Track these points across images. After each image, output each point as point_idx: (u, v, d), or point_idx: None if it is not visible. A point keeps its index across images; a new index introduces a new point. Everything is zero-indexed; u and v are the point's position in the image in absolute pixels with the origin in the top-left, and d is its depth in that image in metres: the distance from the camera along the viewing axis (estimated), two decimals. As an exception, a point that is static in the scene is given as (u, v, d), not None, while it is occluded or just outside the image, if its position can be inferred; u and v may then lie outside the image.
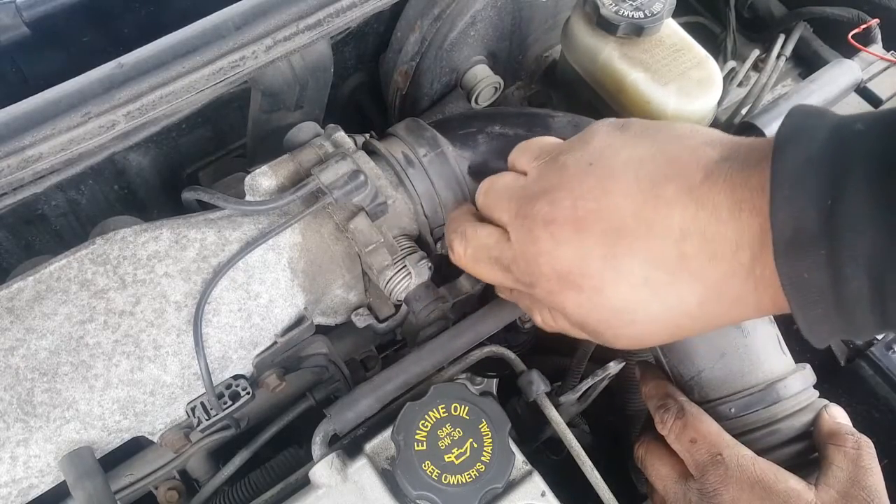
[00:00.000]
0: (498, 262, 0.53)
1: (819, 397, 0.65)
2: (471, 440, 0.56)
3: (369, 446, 0.59)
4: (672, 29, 0.84)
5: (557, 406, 0.66)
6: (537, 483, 0.58)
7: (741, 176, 0.42)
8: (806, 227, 0.37)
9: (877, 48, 0.94)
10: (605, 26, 0.81)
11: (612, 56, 0.82)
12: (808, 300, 0.39)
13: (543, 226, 0.48)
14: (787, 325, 0.66)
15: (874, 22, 0.94)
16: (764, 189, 0.39)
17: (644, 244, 0.45)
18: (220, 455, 0.71)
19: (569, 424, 0.64)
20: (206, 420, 0.59)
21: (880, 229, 0.35)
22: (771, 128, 0.83)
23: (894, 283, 0.35)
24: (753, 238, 0.41)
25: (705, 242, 0.43)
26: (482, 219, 0.57)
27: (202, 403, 0.60)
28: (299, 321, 0.63)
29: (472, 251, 0.56)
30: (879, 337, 0.83)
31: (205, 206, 0.66)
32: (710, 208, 0.42)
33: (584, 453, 0.62)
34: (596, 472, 0.61)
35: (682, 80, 0.80)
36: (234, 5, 0.63)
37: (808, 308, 0.39)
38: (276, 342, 0.63)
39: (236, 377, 0.62)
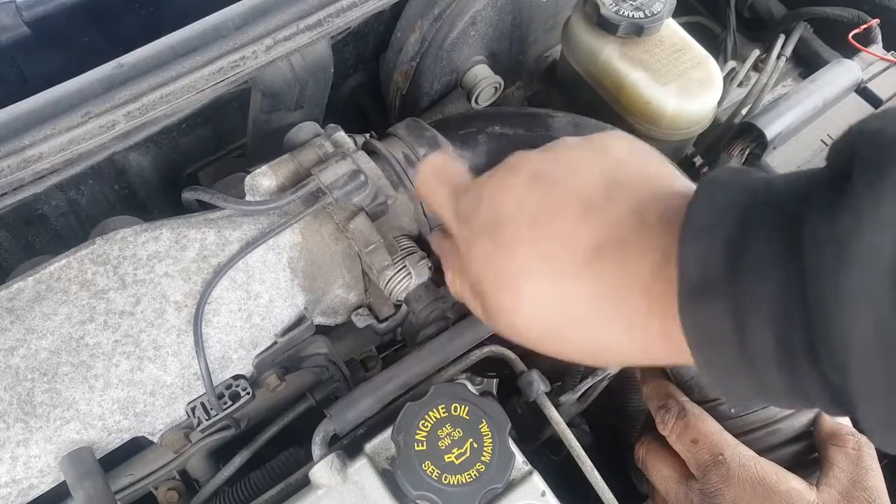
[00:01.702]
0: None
1: (819, 397, 0.65)
2: (471, 440, 0.56)
3: (369, 446, 0.59)
4: (672, 29, 0.84)
5: (557, 406, 0.66)
6: (537, 483, 0.58)
7: (665, 231, 0.40)
8: (711, 273, 0.35)
9: (877, 48, 0.94)
10: (606, 26, 0.81)
11: (612, 56, 0.82)
12: (711, 353, 0.37)
13: (477, 295, 0.49)
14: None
15: (874, 22, 0.94)
16: (674, 237, 0.38)
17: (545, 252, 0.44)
18: (220, 455, 0.71)
19: (569, 424, 0.64)
20: (206, 420, 0.59)
21: (785, 274, 0.33)
22: (771, 128, 0.83)
23: (802, 338, 0.33)
24: (661, 288, 0.39)
25: (612, 311, 0.42)
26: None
27: (202, 403, 0.60)
28: (299, 321, 0.63)
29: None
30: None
31: (205, 206, 0.66)
32: (612, 284, 0.42)
33: (584, 453, 0.62)
34: (596, 472, 0.61)
35: (682, 80, 0.80)
36: (234, 5, 0.63)
37: (713, 362, 0.37)
38: (276, 342, 0.63)
39: (236, 377, 0.62)
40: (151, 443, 0.66)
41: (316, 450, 0.60)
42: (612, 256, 0.42)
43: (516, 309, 0.46)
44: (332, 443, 0.62)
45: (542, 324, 0.46)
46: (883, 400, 0.31)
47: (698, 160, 0.90)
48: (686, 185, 0.44)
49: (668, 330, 0.38)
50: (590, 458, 0.61)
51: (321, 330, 0.67)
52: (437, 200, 0.53)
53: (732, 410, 0.63)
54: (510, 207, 0.46)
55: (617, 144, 0.48)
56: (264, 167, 0.65)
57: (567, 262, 0.43)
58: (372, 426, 0.62)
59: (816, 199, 0.33)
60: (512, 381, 0.66)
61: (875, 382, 0.31)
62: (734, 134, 0.88)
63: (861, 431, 0.60)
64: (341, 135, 0.69)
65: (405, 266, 0.63)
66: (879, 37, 0.94)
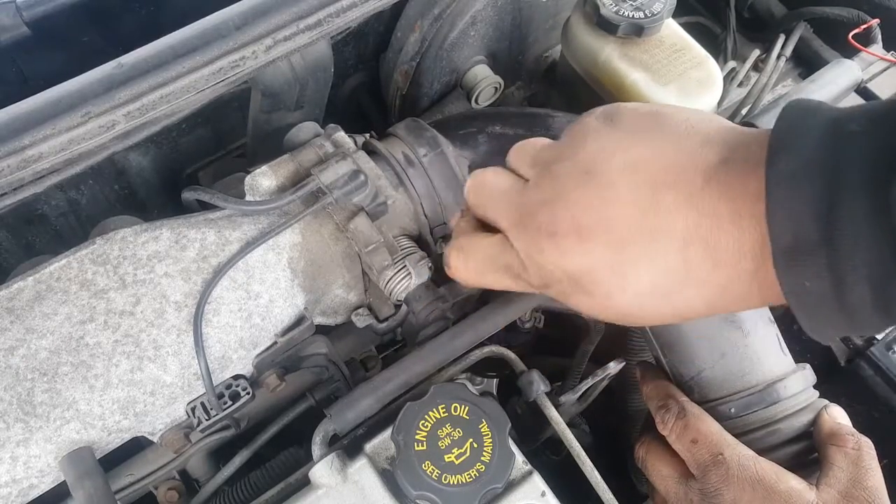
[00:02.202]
0: (508, 271, 0.52)
1: (819, 397, 0.65)
2: (471, 440, 0.56)
3: (369, 446, 0.59)
4: (672, 29, 0.84)
5: (557, 406, 0.66)
6: (537, 483, 0.58)
7: (740, 182, 0.41)
8: (804, 235, 0.37)
9: (877, 48, 0.94)
10: (605, 26, 0.81)
11: (612, 56, 0.82)
12: (810, 306, 0.39)
13: (548, 237, 0.48)
14: (786, 325, 0.66)
15: (874, 22, 0.94)
16: (762, 196, 0.39)
17: (648, 253, 0.44)
18: (220, 455, 0.71)
19: (569, 424, 0.64)
20: (206, 420, 0.59)
21: (879, 236, 0.35)
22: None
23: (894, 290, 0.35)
24: (755, 245, 0.41)
25: (708, 250, 0.42)
26: (476, 222, 0.55)
27: (202, 403, 0.60)
28: (299, 321, 0.63)
29: (475, 264, 0.54)
30: (879, 337, 0.82)
31: (205, 206, 0.66)
32: (710, 216, 0.42)
33: (584, 453, 0.62)
34: (596, 472, 0.61)
35: (682, 80, 0.80)
36: (234, 5, 0.63)
37: (811, 313, 0.39)
38: (276, 342, 0.63)
39: (236, 377, 0.62)
40: (151, 443, 0.66)
41: (316, 450, 0.60)
42: (718, 218, 0.42)
43: (647, 320, 0.47)
44: (332, 443, 0.62)
45: (672, 319, 0.46)
46: None
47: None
48: (733, 127, 0.45)
49: (772, 280, 0.40)
50: (590, 458, 0.61)
51: (321, 330, 0.67)
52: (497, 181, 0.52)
53: (732, 410, 0.63)
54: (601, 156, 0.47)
55: (628, 109, 0.49)
56: (264, 167, 0.65)
57: (674, 267, 0.44)
58: (372, 426, 0.62)
59: None
60: (512, 381, 0.66)
61: None
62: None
63: None
64: (341, 135, 0.69)
65: (405, 266, 0.63)
66: (879, 37, 0.94)
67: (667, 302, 0.46)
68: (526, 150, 0.53)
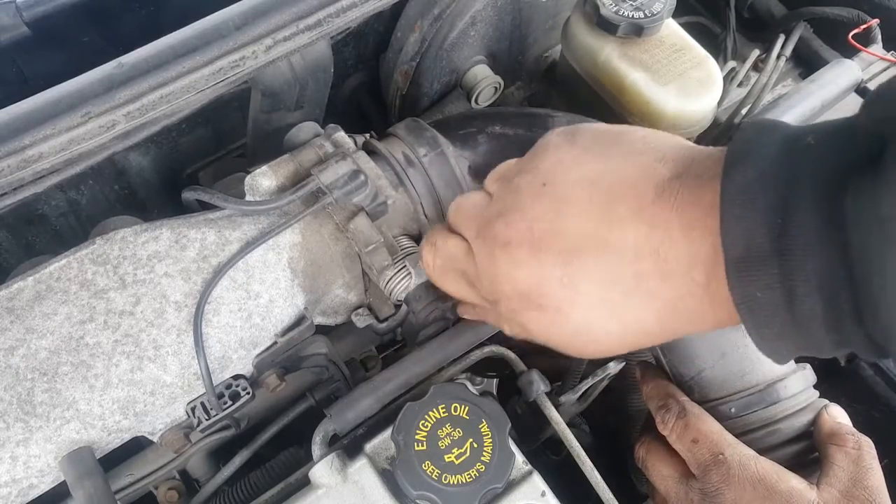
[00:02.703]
0: (464, 276, 0.54)
1: (819, 397, 0.65)
2: (471, 440, 0.56)
3: (369, 446, 0.59)
4: (672, 29, 0.84)
5: (557, 406, 0.66)
6: (537, 483, 0.58)
7: (692, 194, 0.41)
8: (756, 246, 0.37)
9: (877, 48, 0.93)
10: (605, 26, 0.81)
11: (612, 56, 0.82)
12: (762, 319, 0.39)
13: (501, 247, 0.48)
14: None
15: (874, 22, 0.94)
16: (715, 208, 0.39)
17: (599, 265, 0.45)
18: (220, 455, 0.71)
19: (569, 424, 0.64)
20: (206, 420, 0.59)
21: (830, 248, 0.35)
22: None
23: (848, 302, 0.35)
24: (706, 257, 0.41)
25: (659, 262, 0.43)
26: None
27: (202, 403, 0.60)
28: (299, 321, 0.63)
29: (440, 262, 0.56)
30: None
31: (205, 206, 0.66)
32: (662, 228, 0.42)
33: (584, 453, 0.62)
34: (596, 472, 0.61)
35: (682, 80, 0.80)
36: (234, 5, 0.63)
37: (763, 327, 0.39)
38: (276, 342, 0.63)
39: (236, 377, 0.62)
40: (151, 443, 0.66)
41: (316, 450, 0.60)
42: (669, 231, 0.42)
43: (596, 339, 0.47)
44: (332, 443, 0.62)
45: (621, 340, 0.46)
46: None
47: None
48: (694, 147, 0.45)
49: (727, 296, 0.40)
50: (590, 458, 0.61)
51: (321, 330, 0.67)
52: (464, 207, 0.54)
53: (732, 410, 0.63)
54: (560, 173, 0.48)
55: (589, 129, 0.50)
56: (264, 167, 0.65)
57: (624, 279, 0.44)
58: (372, 426, 0.62)
59: (855, 177, 0.34)
60: (512, 381, 0.66)
61: None
62: (734, 134, 0.87)
63: None
64: (341, 135, 0.69)
65: (405, 266, 0.63)
66: (879, 37, 0.94)
67: (614, 316, 0.46)
68: (496, 170, 0.55)
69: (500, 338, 0.68)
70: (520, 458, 0.58)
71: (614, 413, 0.83)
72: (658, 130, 0.49)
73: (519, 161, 0.53)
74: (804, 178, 0.36)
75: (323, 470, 0.58)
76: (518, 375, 0.66)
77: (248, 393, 0.61)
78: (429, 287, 0.67)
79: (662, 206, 0.42)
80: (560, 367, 0.77)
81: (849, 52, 0.94)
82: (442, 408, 0.57)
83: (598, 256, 0.44)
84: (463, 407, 0.58)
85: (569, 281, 0.46)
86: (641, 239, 0.43)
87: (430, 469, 0.55)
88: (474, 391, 0.61)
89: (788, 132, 0.39)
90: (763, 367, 0.63)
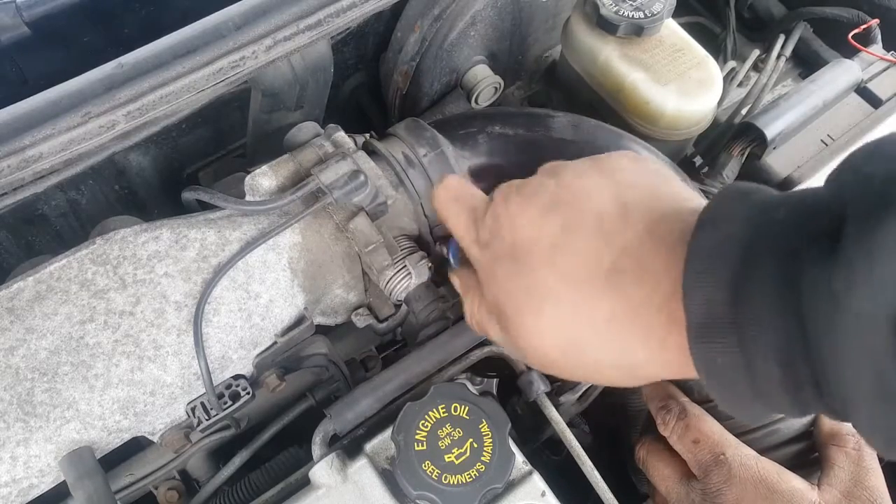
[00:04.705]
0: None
1: (819, 397, 0.65)
2: (471, 440, 0.56)
3: (369, 446, 0.59)
4: (672, 29, 0.84)
5: (557, 406, 0.66)
6: (537, 483, 0.58)
7: (660, 259, 0.42)
8: (716, 313, 0.38)
9: (877, 48, 0.93)
10: (605, 26, 0.81)
11: (612, 56, 0.82)
12: (721, 381, 0.39)
13: (498, 317, 0.50)
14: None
15: (874, 22, 0.94)
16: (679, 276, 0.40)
17: (585, 339, 0.46)
18: (220, 455, 0.71)
19: (569, 424, 0.64)
20: (206, 420, 0.59)
21: (787, 319, 0.35)
22: (771, 128, 0.83)
23: (805, 372, 0.35)
24: (667, 315, 0.42)
25: (631, 326, 0.43)
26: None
27: (202, 403, 0.60)
28: (299, 321, 0.63)
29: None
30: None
31: (205, 206, 0.66)
32: (631, 301, 0.43)
33: (584, 453, 0.61)
34: (596, 472, 0.61)
35: (682, 80, 0.80)
36: (234, 5, 0.63)
37: (723, 387, 0.40)
38: (276, 342, 0.63)
39: (236, 377, 0.62)
40: (151, 443, 0.66)
41: (316, 450, 0.60)
42: (630, 276, 0.43)
43: (537, 328, 0.47)
44: (332, 443, 0.61)
45: (562, 342, 0.47)
46: (886, 431, 0.34)
47: (698, 160, 0.90)
48: (694, 201, 0.46)
49: (685, 344, 0.40)
50: (590, 458, 0.61)
51: (321, 330, 0.67)
52: (457, 226, 0.55)
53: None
54: (529, 233, 0.48)
55: (623, 164, 0.49)
56: (264, 167, 0.65)
57: (586, 281, 0.45)
58: (372, 426, 0.62)
59: (814, 251, 0.34)
60: (512, 381, 0.66)
61: (877, 421, 0.34)
62: (734, 134, 0.88)
63: None
64: (341, 135, 0.69)
65: (405, 266, 0.63)
66: (879, 37, 0.94)
67: (603, 376, 0.49)
68: (470, 218, 0.54)
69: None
70: (520, 458, 0.58)
71: (614, 413, 0.83)
72: (609, 163, 0.49)
73: (491, 225, 0.52)
74: (765, 250, 0.37)
75: (323, 470, 0.58)
76: (518, 375, 0.66)
77: (248, 393, 0.60)
78: (429, 287, 0.67)
79: (628, 279, 0.43)
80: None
81: (849, 52, 0.94)
82: (442, 408, 0.57)
83: (582, 331, 0.46)
84: (463, 407, 0.58)
85: (566, 348, 0.47)
86: (616, 304, 0.44)
87: (430, 469, 0.55)
88: (474, 391, 0.61)
89: (762, 200, 0.40)
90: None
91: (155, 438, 0.61)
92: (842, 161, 0.36)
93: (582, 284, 0.45)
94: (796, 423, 0.63)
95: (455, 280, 0.60)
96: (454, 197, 0.55)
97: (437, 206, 0.57)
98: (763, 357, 0.36)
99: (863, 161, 0.35)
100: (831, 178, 0.37)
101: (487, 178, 0.66)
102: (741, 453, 0.58)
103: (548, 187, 0.49)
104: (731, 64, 0.98)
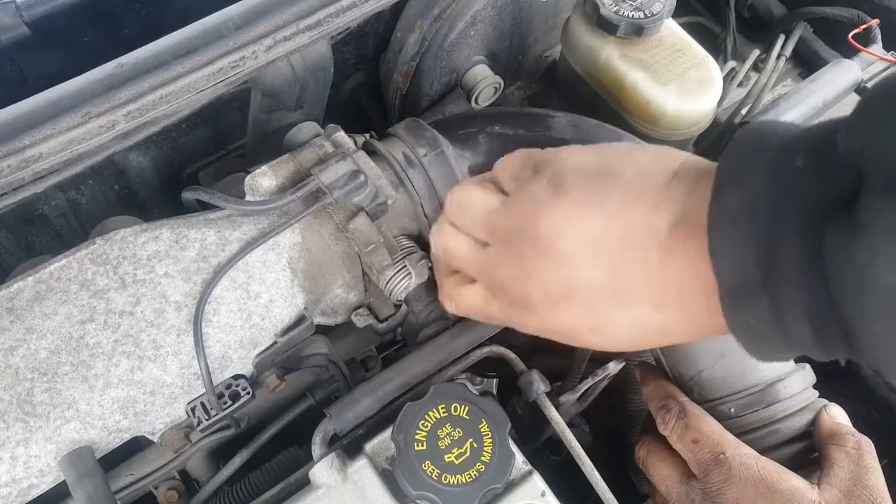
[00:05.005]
0: (493, 319, 0.56)
1: (819, 397, 0.65)
2: (471, 440, 0.56)
3: (369, 446, 0.59)
4: (672, 29, 0.84)
5: (557, 406, 0.66)
6: (537, 483, 0.58)
7: (697, 244, 0.42)
8: (747, 276, 0.38)
9: (877, 48, 0.93)
10: (605, 26, 0.81)
11: (612, 56, 0.82)
12: (756, 340, 0.41)
13: (525, 309, 0.51)
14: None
15: (874, 22, 0.94)
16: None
17: (625, 317, 0.47)
18: (220, 455, 0.71)
19: (569, 424, 0.64)
20: (206, 420, 0.59)
21: (814, 282, 0.36)
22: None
23: (837, 330, 0.36)
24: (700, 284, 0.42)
25: (682, 309, 0.45)
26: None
27: (202, 403, 0.60)
28: (299, 321, 0.63)
29: (466, 311, 0.59)
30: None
31: (205, 206, 0.66)
32: (674, 284, 0.44)
33: (584, 453, 0.61)
34: (596, 472, 0.61)
35: (682, 80, 0.80)
36: (234, 5, 0.63)
37: (758, 345, 0.41)
38: (276, 342, 0.63)
39: (236, 377, 0.62)
40: (151, 443, 0.66)
41: (316, 450, 0.60)
42: (680, 239, 0.44)
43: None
44: (332, 443, 0.62)
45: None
46: None
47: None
48: (678, 178, 0.46)
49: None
50: (590, 458, 0.61)
51: (321, 330, 0.67)
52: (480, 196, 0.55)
53: (732, 410, 0.63)
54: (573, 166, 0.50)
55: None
56: (264, 167, 0.65)
57: (650, 324, 0.47)
58: (372, 426, 0.62)
59: (835, 218, 0.35)
60: (512, 381, 0.66)
61: None
62: (734, 134, 0.87)
63: None
64: (341, 135, 0.69)
65: (405, 266, 0.63)
66: (879, 37, 0.94)
67: (649, 342, 0.51)
68: (473, 212, 0.54)
69: (500, 338, 0.68)
70: (520, 458, 0.58)
71: (614, 413, 0.83)
72: (642, 150, 0.50)
73: (507, 213, 0.52)
74: (789, 209, 0.37)
75: (323, 470, 0.58)
76: (518, 375, 0.66)
77: (248, 393, 0.61)
78: (429, 287, 0.67)
79: (671, 264, 0.44)
80: (560, 367, 0.77)
81: (849, 52, 0.94)
82: (442, 408, 0.57)
83: (623, 311, 0.47)
84: (463, 407, 0.58)
85: (599, 328, 0.49)
86: (659, 294, 0.45)
87: (430, 469, 0.55)
88: (474, 391, 0.61)
89: (780, 144, 0.40)
90: (762, 368, 0.63)
91: (155, 438, 0.61)
92: (859, 106, 0.37)
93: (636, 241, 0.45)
94: (796, 423, 0.63)
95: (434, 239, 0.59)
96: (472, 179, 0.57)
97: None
98: (794, 317, 0.37)
99: (882, 116, 0.35)
100: (847, 126, 0.37)
101: (487, 178, 0.66)
102: (741, 453, 0.58)
103: (586, 154, 0.51)
104: (731, 64, 0.98)
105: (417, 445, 0.56)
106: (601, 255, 0.46)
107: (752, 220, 0.38)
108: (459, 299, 0.58)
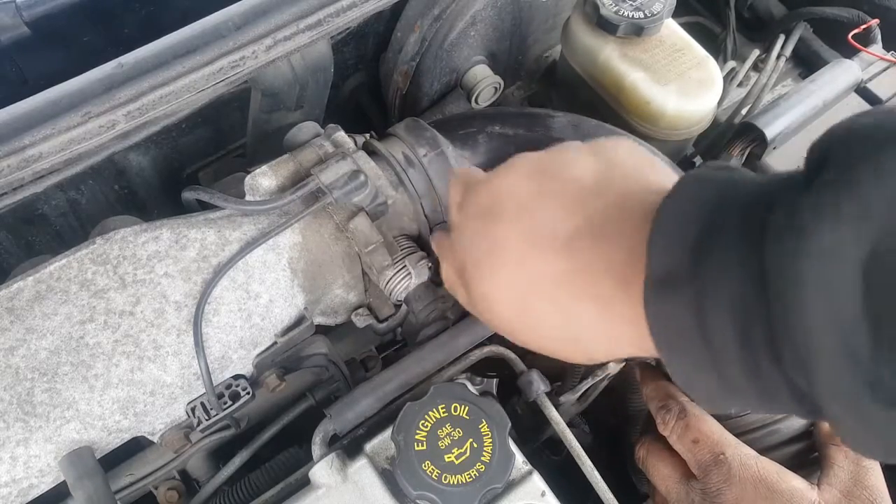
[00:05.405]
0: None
1: (819, 397, 0.65)
2: (471, 440, 0.56)
3: (369, 446, 0.59)
4: (672, 29, 0.84)
5: (557, 406, 0.66)
6: (537, 483, 0.58)
7: (624, 224, 0.41)
8: (677, 269, 0.36)
9: (877, 48, 0.94)
10: (605, 26, 0.81)
11: (612, 56, 0.82)
12: (675, 345, 0.37)
13: (460, 277, 0.52)
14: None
15: (874, 22, 0.94)
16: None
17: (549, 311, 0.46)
18: (220, 455, 0.71)
19: (569, 424, 0.64)
20: (206, 420, 0.59)
21: (749, 272, 0.32)
22: (771, 128, 0.83)
23: (763, 334, 0.32)
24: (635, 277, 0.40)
25: (578, 290, 0.43)
26: None
27: (202, 403, 0.60)
28: (299, 321, 0.63)
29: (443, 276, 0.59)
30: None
31: (205, 206, 0.66)
32: (581, 263, 0.43)
33: (584, 453, 0.61)
34: (596, 472, 0.61)
35: (682, 80, 0.80)
36: (234, 5, 0.63)
37: (677, 351, 0.38)
38: (276, 342, 0.63)
39: (236, 377, 0.62)
40: (151, 443, 0.66)
41: (316, 450, 0.60)
42: (588, 242, 0.43)
43: (492, 285, 0.48)
44: (332, 443, 0.62)
45: (513, 301, 0.47)
46: (851, 403, 0.30)
47: (698, 160, 0.90)
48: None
49: (638, 318, 0.39)
50: (590, 458, 0.61)
51: (321, 330, 0.67)
52: (451, 197, 0.56)
53: (732, 410, 0.63)
54: (503, 194, 0.48)
55: (618, 147, 0.49)
56: (264, 167, 0.65)
57: (544, 244, 0.44)
58: (372, 426, 0.62)
59: (783, 198, 0.33)
60: (512, 381, 0.66)
61: (840, 383, 0.30)
62: (734, 134, 0.88)
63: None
64: (341, 135, 0.69)
65: (405, 266, 0.63)
66: (879, 37, 0.94)
67: (550, 343, 0.49)
68: (462, 186, 0.55)
69: (499, 338, 0.68)
70: (520, 458, 0.58)
71: (614, 413, 0.83)
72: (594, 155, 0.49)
73: (474, 189, 0.53)
74: (732, 206, 0.35)
75: (323, 470, 0.58)
76: (518, 375, 0.66)
77: (248, 393, 0.61)
78: (429, 287, 0.67)
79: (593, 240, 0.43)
80: (560, 367, 0.77)
81: (849, 52, 0.94)
82: (442, 408, 0.57)
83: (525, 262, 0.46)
84: (463, 407, 0.58)
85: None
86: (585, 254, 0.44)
87: (430, 469, 0.55)
88: (474, 391, 0.61)
89: (735, 170, 0.39)
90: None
91: (155, 438, 0.61)
92: (821, 135, 0.34)
93: (540, 244, 0.45)
94: (796, 423, 0.63)
95: (433, 243, 0.61)
96: (458, 175, 0.57)
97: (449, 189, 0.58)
98: (718, 313, 0.34)
99: (847, 121, 0.33)
100: (811, 147, 0.34)
101: (487, 178, 0.66)
102: (741, 453, 0.58)
103: (538, 158, 0.50)
104: (731, 64, 0.98)
105: (417, 445, 0.56)
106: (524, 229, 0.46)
107: (694, 214, 0.36)
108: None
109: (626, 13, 0.80)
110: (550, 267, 0.44)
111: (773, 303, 0.31)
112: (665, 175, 0.46)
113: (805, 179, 0.33)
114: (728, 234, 0.34)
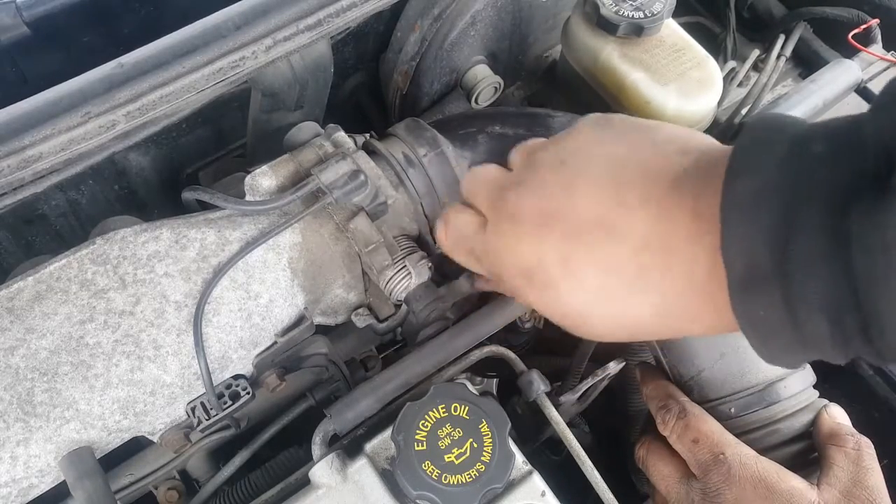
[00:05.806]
0: (472, 253, 0.53)
1: (819, 397, 0.65)
2: (471, 440, 0.56)
3: (369, 446, 0.59)
4: (672, 29, 0.84)
5: (557, 406, 0.66)
6: (537, 483, 0.58)
7: (707, 195, 0.40)
8: (758, 265, 0.35)
9: (877, 48, 0.93)
10: (605, 26, 0.81)
11: (612, 56, 0.82)
12: (765, 336, 0.37)
13: (509, 219, 0.48)
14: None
15: (874, 22, 0.94)
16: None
17: (602, 251, 0.43)
18: (220, 455, 0.71)
19: (569, 424, 0.64)
20: (206, 420, 0.59)
21: (834, 269, 0.33)
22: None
23: (854, 323, 0.33)
24: (709, 265, 0.39)
25: (663, 255, 0.41)
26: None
27: (202, 403, 0.60)
28: (299, 321, 0.63)
29: (451, 239, 0.56)
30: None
31: (205, 206, 0.66)
32: (670, 223, 0.41)
33: (584, 453, 0.61)
34: (596, 472, 0.61)
35: (682, 80, 0.80)
36: (234, 5, 0.63)
37: (766, 341, 0.38)
38: (276, 342, 0.63)
39: (236, 377, 0.62)
40: (151, 443, 0.66)
41: (316, 450, 0.60)
42: (655, 210, 0.42)
43: (593, 323, 0.46)
44: (332, 443, 0.62)
45: (617, 327, 0.45)
46: None
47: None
48: (718, 145, 0.44)
49: (714, 291, 0.39)
50: (590, 458, 0.61)
51: (321, 330, 0.67)
52: (512, 161, 0.53)
53: (732, 410, 0.63)
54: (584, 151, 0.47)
55: (624, 117, 0.49)
56: (264, 167, 0.65)
57: (625, 269, 0.43)
58: (372, 426, 0.62)
59: (862, 197, 0.33)
60: (512, 381, 0.66)
61: None
62: (734, 134, 0.88)
63: None
64: (341, 135, 0.69)
65: (405, 266, 0.63)
66: (879, 37, 0.94)
67: (612, 305, 0.45)
68: (523, 144, 0.54)
69: (500, 338, 0.68)
70: (520, 458, 0.58)
71: (614, 413, 0.83)
72: (694, 130, 0.48)
73: (546, 140, 0.52)
74: (809, 195, 0.34)
75: (323, 470, 0.58)
76: (518, 375, 0.66)
77: (248, 393, 0.61)
78: (429, 287, 0.67)
79: (674, 201, 0.41)
80: (560, 367, 0.77)
81: (849, 52, 0.94)
82: (442, 408, 0.57)
83: (602, 242, 0.43)
84: (463, 407, 0.58)
85: (569, 265, 0.45)
86: (649, 230, 0.42)
87: (430, 469, 0.55)
88: (474, 391, 0.61)
89: (796, 133, 0.37)
90: (762, 367, 0.63)
91: (155, 438, 0.61)
92: (881, 95, 0.34)
93: (611, 220, 0.43)
94: (796, 424, 0.63)
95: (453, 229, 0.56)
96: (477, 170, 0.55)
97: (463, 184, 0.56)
98: (807, 312, 0.34)
99: None
100: (872, 113, 0.34)
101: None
102: (741, 453, 0.58)
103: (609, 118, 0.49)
104: (731, 64, 0.98)
105: (417, 445, 0.56)
106: (606, 180, 0.44)
107: (768, 204, 0.35)
108: (454, 221, 0.55)
109: (626, 13, 0.80)
110: (627, 230, 0.43)
111: (864, 305, 0.33)
112: (682, 129, 0.47)
113: (876, 175, 0.33)
114: (807, 230, 0.34)
